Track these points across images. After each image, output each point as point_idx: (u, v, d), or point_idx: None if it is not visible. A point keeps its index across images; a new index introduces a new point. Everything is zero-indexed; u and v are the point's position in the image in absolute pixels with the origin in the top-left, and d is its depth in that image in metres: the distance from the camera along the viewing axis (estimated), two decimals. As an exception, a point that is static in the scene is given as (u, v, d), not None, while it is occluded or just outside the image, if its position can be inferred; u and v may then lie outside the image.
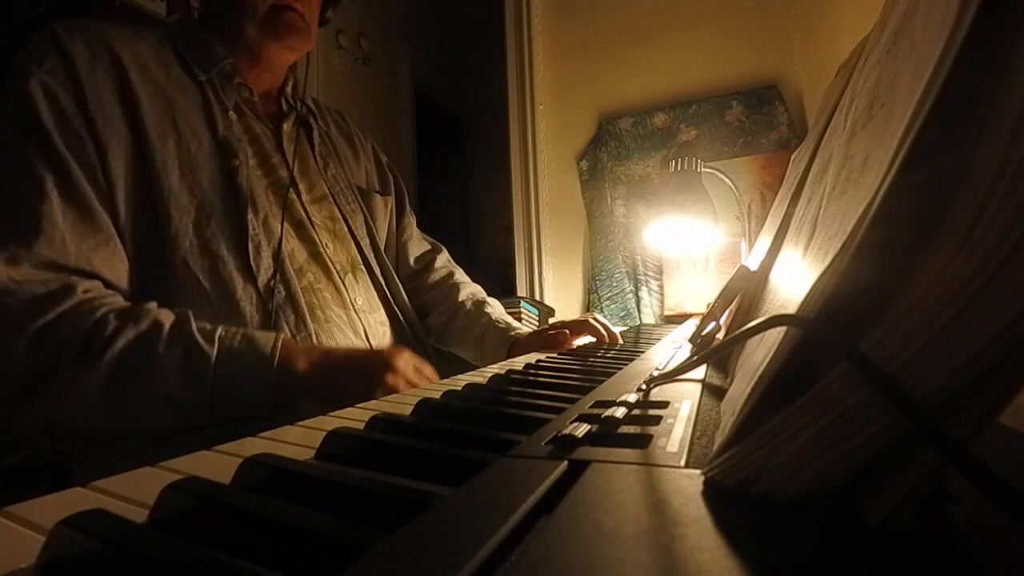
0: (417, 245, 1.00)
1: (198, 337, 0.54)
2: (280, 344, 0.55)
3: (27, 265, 0.52)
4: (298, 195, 0.75)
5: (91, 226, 0.57)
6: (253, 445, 0.32)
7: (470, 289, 0.96)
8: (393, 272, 0.87)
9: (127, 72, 0.62)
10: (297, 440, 0.32)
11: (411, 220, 1.01)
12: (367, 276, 0.81)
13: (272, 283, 0.65)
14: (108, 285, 0.58)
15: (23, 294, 0.51)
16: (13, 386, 0.52)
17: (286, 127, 0.78)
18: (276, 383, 0.53)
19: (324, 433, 0.30)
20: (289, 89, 0.81)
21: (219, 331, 0.55)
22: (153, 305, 0.57)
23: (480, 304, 0.92)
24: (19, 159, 0.55)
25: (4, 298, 0.50)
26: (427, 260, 0.99)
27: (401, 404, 0.40)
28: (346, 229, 0.81)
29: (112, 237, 0.58)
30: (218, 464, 0.27)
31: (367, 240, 0.84)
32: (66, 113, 0.57)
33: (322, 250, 0.74)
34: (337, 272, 0.75)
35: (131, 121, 0.61)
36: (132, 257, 0.60)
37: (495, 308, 0.93)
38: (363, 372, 0.56)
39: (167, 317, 0.55)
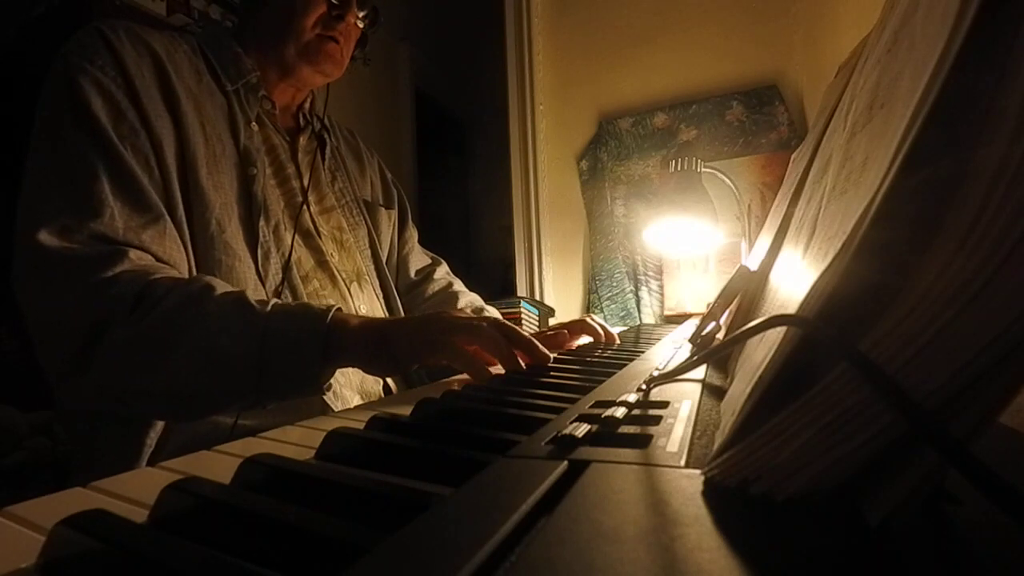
0: (418, 258, 1.03)
1: (251, 297, 0.53)
2: (336, 308, 0.53)
3: (79, 237, 0.53)
4: (308, 206, 0.77)
5: (141, 206, 0.58)
6: (253, 445, 0.32)
7: (468, 298, 0.98)
8: (392, 285, 0.89)
9: (168, 73, 0.64)
10: (297, 440, 0.32)
11: (412, 234, 1.03)
12: (371, 286, 0.84)
13: (279, 289, 0.67)
14: (159, 261, 0.59)
15: (76, 258, 0.52)
16: (67, 345, 0.52)
17: (302, 140, 0.81)
18: (328, 334, 0.51)
19: (324, 433, 0.30)
20: (308, 105, 0.84)
21: (274, 299, 0.55)
22: (206, 275, 0.58)
23: (479, 311, 0.94)
24: (73, 150, 0.56)
25: (57, 261, 0.52)
26: (427, 272, 1.01)
27: (401, 404, 0.40)
28: (352, 240, 0.83)
29: (162, 217, 0.59)
30: (218, 464, 0.27)
31: (368, 252, 0.87)
32: (119, 106, 0.59)
33: (328, 259, 0.76)
34: (343, 280, 0.77)
35: (173, 118, 0.63)
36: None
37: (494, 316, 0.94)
38: (418, 329, 0.53)
39: (221, 284, 0.56)
